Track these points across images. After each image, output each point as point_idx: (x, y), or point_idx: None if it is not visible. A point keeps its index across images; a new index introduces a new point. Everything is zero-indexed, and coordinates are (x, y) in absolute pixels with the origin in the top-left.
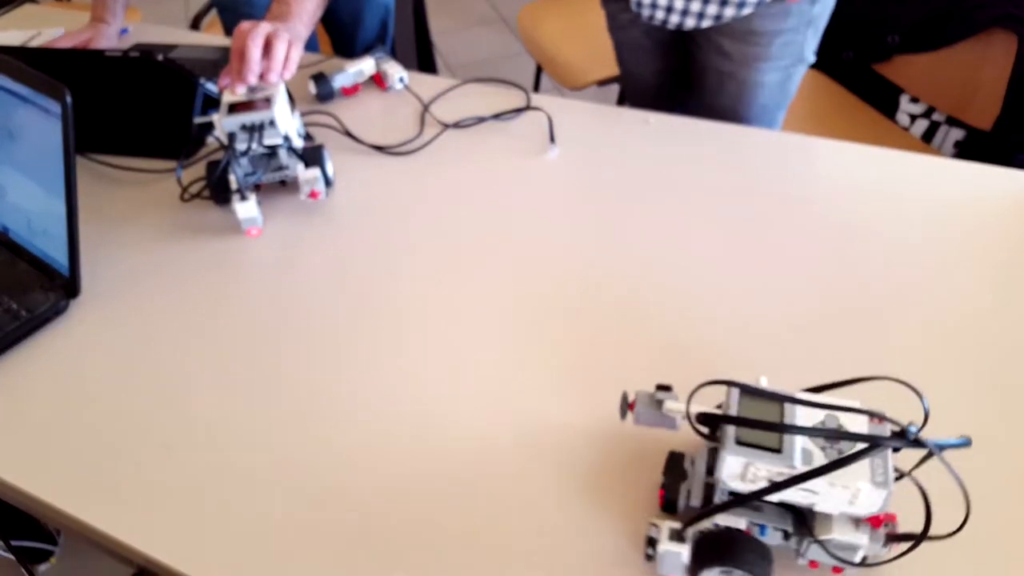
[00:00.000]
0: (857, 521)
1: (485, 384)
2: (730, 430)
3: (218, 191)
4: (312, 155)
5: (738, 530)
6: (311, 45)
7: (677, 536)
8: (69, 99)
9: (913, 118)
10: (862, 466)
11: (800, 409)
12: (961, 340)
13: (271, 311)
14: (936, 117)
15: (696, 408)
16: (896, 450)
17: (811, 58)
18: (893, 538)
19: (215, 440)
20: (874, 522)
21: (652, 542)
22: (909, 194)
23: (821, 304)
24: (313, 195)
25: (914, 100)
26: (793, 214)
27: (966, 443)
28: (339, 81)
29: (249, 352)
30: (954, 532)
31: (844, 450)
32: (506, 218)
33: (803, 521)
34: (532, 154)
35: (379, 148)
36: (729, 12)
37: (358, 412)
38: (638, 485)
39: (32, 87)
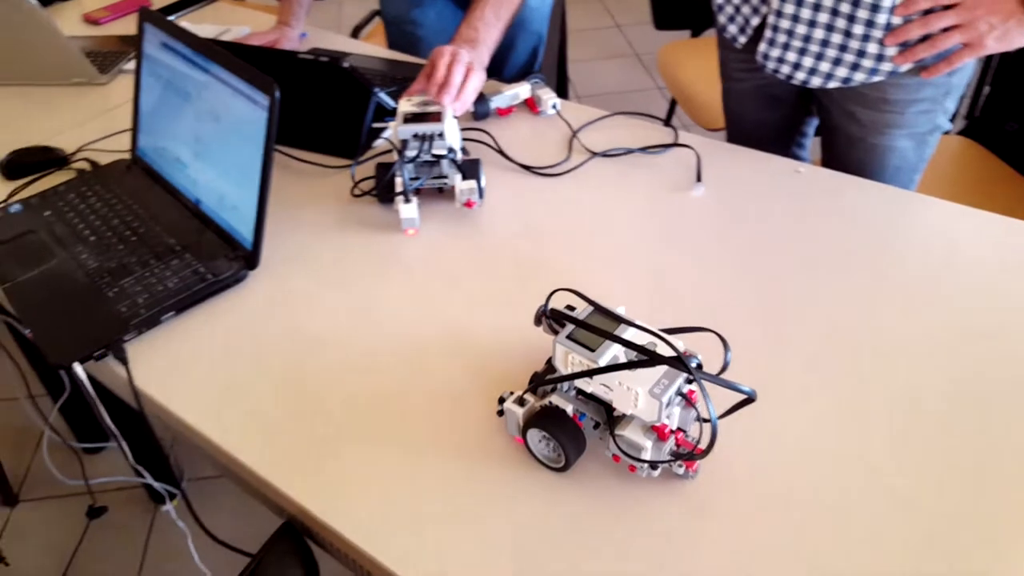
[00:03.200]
0: (647, 428)
1: None
2: (568, 328)
3: (385, 191)
4: (470, 168)
5: (563, 410)
6: None
7: (519, 401)
8: (278, 94)
9: None
10: (648, 378)
11: (634, 332)
12: None
13: (419, 302)
14: None
15: (556, 308)
16: (690, 381)
17: (947, 125)
18: (677, 456)
19: (369, 410)
20: (660, 433)
21: (502, 401)
22: None
23: (949, 389)
24: (469, 204)
25: None
26: (938, 282)
27: (748, 393)
28: (496, 102)
29: (398, 334)
30: (704, 453)
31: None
32: (644, 248)
33: (612, 419)
34: (677, 189)
35: (527, 168)
36: (859, 76)
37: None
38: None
39: (244, 79)
